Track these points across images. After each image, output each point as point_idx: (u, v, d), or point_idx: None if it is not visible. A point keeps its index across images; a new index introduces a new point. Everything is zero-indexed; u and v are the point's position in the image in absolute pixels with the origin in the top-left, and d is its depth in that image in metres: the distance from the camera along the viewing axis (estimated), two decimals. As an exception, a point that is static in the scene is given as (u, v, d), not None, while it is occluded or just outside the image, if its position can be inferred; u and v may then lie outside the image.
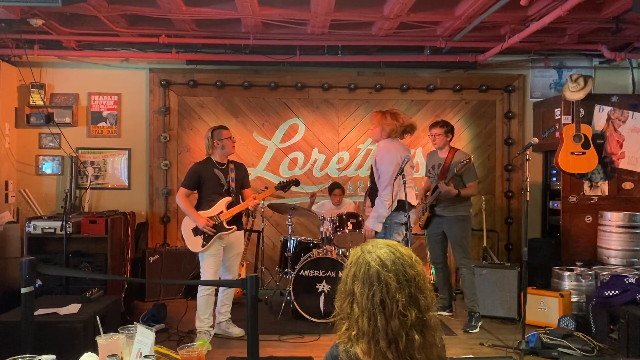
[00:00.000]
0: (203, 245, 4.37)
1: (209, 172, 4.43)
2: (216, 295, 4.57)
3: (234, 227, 4.43)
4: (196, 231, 4.37)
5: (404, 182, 4.53)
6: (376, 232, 4.43)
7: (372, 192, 4.57)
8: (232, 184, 4.48)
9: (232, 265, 4.57)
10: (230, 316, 4.60)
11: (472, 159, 4.83)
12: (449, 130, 5.02)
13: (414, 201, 4.47)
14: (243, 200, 4.59)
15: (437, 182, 4.90)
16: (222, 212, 4.40)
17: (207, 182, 4.43)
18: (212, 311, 4.43)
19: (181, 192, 4.45)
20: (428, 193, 5.15)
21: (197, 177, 4.42)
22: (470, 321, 4.84)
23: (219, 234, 4.38)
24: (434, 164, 5.13)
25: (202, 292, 4.41)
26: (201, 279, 4.53)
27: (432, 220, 5.09)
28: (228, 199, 4.44)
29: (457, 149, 5.07)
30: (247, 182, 4.69)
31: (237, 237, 4.55)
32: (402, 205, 4.28)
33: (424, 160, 6.35)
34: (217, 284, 4.57)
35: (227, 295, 4.59)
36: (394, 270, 1.45)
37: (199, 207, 4.45)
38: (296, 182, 4.75)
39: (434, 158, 5.16)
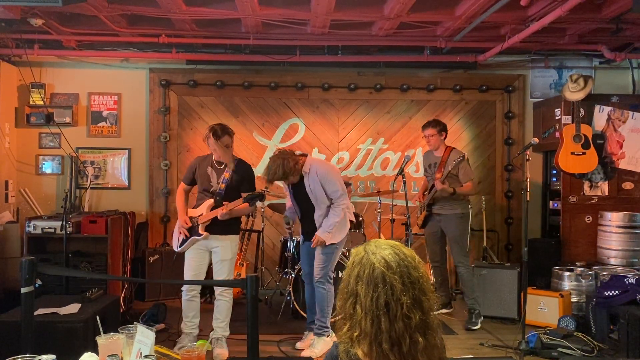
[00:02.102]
0: (180, 246, 4.17)
1: (203, 169, 4.19)
2: (210, 303, 4.42)
3: (206, 233, 4.05)
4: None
5: (404, 182, 4.54)
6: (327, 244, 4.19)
7: (310, 213, 4.26)
8: (222, 186, 4.10)
9: (217, 273, 4.15)
10: (223, 335, 4.14)
11: (466, 156, 4.80)
12: (442, 129, 5.02)
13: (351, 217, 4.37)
14: None
15: (434, 181, 4.91)
16: (202, 214, 4.10)
17: (199, 179, 4.22)
18: (195, 314, 4.16)
19: (180, 185, 4.38)
20: (426, 192, 5.16)
21: (191, 172, 4.27)
22: (470, 318, 4.86)
23: (192, 237, 4.10)
24: (430, 163, 5.15)
25: (183, 295, 4.16)
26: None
27: (429, 219, 5.11)
28: (210, 201, 4.10)
29: (453, 148, 5.07)
30: (246, 185, 4.14)
31: (220, 243, 4.11)
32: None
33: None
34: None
35: (218, 309, 4.14)
36: (399, 272, 1.44)
37: (196, 204, 4.26)
38: (261, 197, 4.04)
39: (430, 157, 5.18)
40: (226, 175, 4.11)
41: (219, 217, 4.02)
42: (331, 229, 4.14)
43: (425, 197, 5.13)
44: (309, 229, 4.31)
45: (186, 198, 4.32)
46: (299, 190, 4.27)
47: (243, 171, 4.18)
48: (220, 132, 4.02)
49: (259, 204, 5.50)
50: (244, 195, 4.13)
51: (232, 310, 4.25)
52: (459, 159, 4.72)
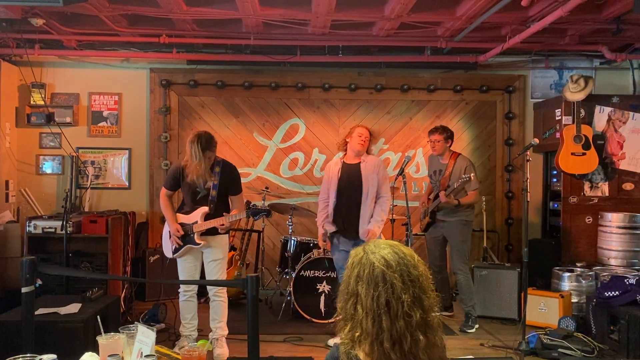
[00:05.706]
0: (174, 252, 4.11)
1: (187, 176, 4.05)
2: (205, 302, 4.38)
3: (204, 242, 4.02)
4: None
5: (404, 183, 4.54)
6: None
7: (352, 205, 4.30)
8: (213, 192, 4.01)
9: (210, 273, 4.13)
10: (222, 334, 4.12)
11: (473, 177, 4.71)
12: (449, 136, 4.97)
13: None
14: (231, 208, 4.15)
15: (439, 191, 4.91)
16: (196, 222, 4.02)
17: (184, 186, 4.09)
18: (193, 316, 4.16)
19: (162, 191, 4.19)
20: (431, 196, 5.16)
21: (174, 178, 4.11)
22: (467, 321, 4.86)
23: (187, 245, 4.04)
24: (435, 169, 5.11)
25: (181, 296, 4.17)
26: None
27: (432, 223, 5.09)
28: (205, 209, 4.02)
29: (459, 154, 5.03)
30: (233, 188, 4.13)
31: (213, 244, 4.08)
32: None
33: (424, 161, 6.38)
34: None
35: (214, 309, 4.12)
36: (399, 270, 1.45)
37: (180, 209, 4.19)
38: (268, 213, 4.05)
39: (435, 163, 5.13)
40: (215, 180, 4.03)
41: (220, 231, 4.02)
42: (381, 222, 4.16)
43: (429, 203, 5.12)
44: (349, 225, 4.27)
45: (171, 203, 4.21)
46: (349, 173, 4.29)
47: (229, 173, 4.13)
48: (205, 144, 3.91)
49: (261, 203, 5.54)
50: (231, 198, 4.14)
51: (232, 310, 4.29)
52: (465, 178, 4.66)
